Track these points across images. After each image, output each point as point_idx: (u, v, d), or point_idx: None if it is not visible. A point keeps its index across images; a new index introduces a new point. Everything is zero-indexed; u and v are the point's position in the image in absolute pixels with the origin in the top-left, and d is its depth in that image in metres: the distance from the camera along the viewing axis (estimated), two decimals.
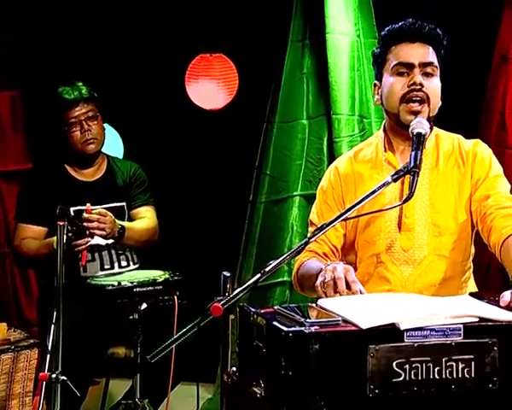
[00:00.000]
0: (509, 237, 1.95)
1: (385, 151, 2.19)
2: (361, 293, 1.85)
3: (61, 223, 2.38)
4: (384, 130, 2.23)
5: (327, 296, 1.85)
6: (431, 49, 2.12)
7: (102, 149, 3.17)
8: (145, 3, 3.74)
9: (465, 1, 3.34)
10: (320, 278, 1.89)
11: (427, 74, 2.11)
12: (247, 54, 3.64)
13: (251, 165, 3.52)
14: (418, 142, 2.02)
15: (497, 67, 3.34)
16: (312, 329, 1.52)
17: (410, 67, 2.10)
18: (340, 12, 3.33)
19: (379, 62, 2.19)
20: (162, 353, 1.75)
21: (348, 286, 1.84)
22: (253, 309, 1.70)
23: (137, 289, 2.55)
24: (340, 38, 3.34)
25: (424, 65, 2.10)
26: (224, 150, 3.78)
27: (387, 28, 2.19)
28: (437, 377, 1.53)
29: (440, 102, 2.16)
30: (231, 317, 1.75)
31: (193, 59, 3.73)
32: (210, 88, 3.72)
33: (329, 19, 3.31)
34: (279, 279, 3.46)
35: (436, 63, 2.12)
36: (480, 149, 2.16)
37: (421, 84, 2.08)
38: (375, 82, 2.22)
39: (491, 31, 3.33)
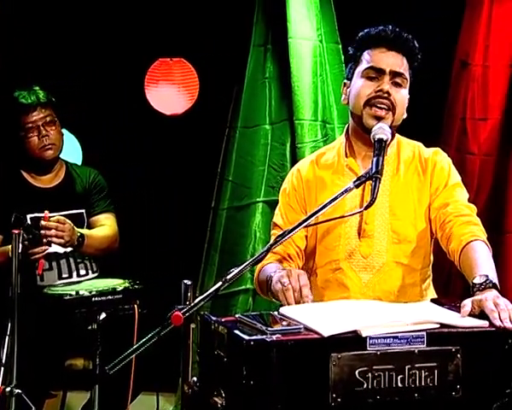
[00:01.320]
0: (467, 244, 1.97)
1: (346, 157, 2.21)
2: (308, 299, 1.84)
3: (17, 231, 2.34)
4: (346, 134, 2.25)
5: (288, 303, 1.85)
6: (405, 60, 2.14)
7: (61, 155, 3.13)
8: (104, 6, 3.70)
9: (426, 6, 3.38)
10: (279, 285, 1.88)
11: (396, 84, 2.12)
12: (207, 58, 3.63)
13: (213, 171, 3.50)
14: (380, 148, 2.03)
15: (458, 72, 3.39)
16: (274, 337, 1.52)
17: (380, 72, 2.12)
18: (303, 17, 3.34)
19: (352, 62, 2.21)
20: (121, 363, 1.72)
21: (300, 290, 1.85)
22: (214, 318, 1.70)
23: (96, 299, 2.51)
24: (303, 42, 3.35)
25: (395, 74, 2.12)
26: (186, 156, 3.75)
27: (366, 30, 2.20)
28: (400, 385, 1.53)
29: (406, 115, 2.17)
30: (192, 326, 1.74)
31: (152, 63, 3.70)
32: (170, 93, 3.69)
33: (291, 24, 3.32)
34: (242, 287, 3.44)
35: (407, 75, 2.15)
36: (440, 158, 2.19)
37: (388, 93, 2.10)
38: (345, 81, 2.24)
39: (452, 36, 3.38)
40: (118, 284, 2.62)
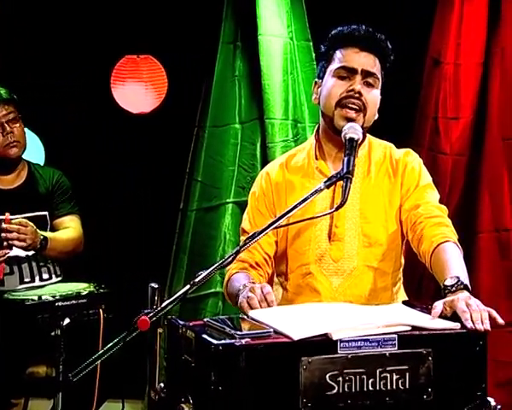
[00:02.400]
0: (438, 245, 1.99)
1: (316, 159, 2.20)
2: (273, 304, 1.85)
3: None
4: (316, 135, 2.24)
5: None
6: (377, 60, 2.15)
7: (23, 156, 3.09)
8: (69, 1, 3.67)
9: (398, 4, 3.41)
10: (242, 297, 1.89)
11: (367, 84, 2.13)
12: (176, 55, 3.62)
13: (181, 171, 3.49)
14: (351, 147, 2.03)
15: (430, 71, 3.42)
16: (243, 341, 1.52)
17: (352, 72, 2.12)
18: (273, 14, 3.34)
19: (323, 61, 2.21)
20: (86, 370, 1.71)
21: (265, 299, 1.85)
22: (181, 322, 1.69)
23: (59, 304, 2.49)
24: (273, 40, 3.35)
25: (367, 74, 2.12)
26: (153, 156, 3.74)
27: (339, 28, 2.20)
28: (371, 388, 1.54)
29: (377, 116, 2.18)
30: (159, 331, 1.73)
31: (119, 60, 3.67)
32: (137, 91, 3.67)
33: (261, 20, 3.32)
34: (211, 290, 3.44)
35: (379, 75, 2.15)
36: (411, 159, 2.20)
37: (359, 93, 2.10)
38: (316, 80, 2.23)
39: (424, 34, 3.42)
40: (82, 288, 2.60)
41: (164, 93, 3.70)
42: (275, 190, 2.22)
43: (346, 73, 2.12)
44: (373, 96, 2.13)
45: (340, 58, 2.14)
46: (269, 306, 1.84)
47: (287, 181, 2.21)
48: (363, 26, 2.16)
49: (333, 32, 2.20)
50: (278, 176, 2.23)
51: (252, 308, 1.83)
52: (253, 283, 2.00)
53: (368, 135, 2.23)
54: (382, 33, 2.19)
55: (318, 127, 2.25)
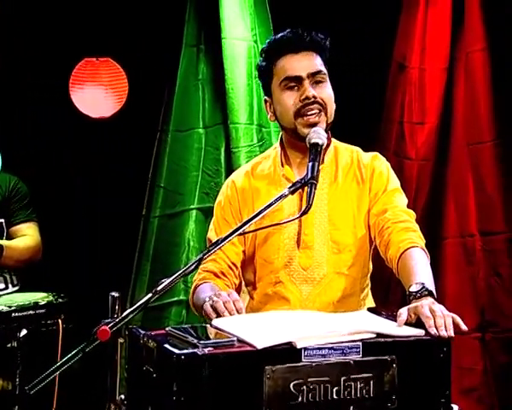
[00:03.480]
0: (405, 251, 2.01)
1: (282, 166, 2.21)
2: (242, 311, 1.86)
3: None
4: (281, 142, 2.25)
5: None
6: (315, 55, 2.15)
7: None
8: (24, 2, 3.63)
9: (363, 8, 3.44)
10: (207, 303, 1.89)
11: (317, 83, 2.14)
12: (137, 58, 3.60)
13: (143, 177, 3.47)
14: (315, 152, 2.04)
15: (395, 75, 3.47)
16: (206, 350, 1.51)
17: (298, 80, 2.12)
18: (236, 16, 3.36)
19: (265, 77, 2.20)
20: (43, 383, 1.69)
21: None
22: (143, 331, 1.68)
23: (16, 314, 2.47)
24: (237, 43, 3.37)
25: (313, 74, 2.13)
26: (114, 162, 3.72)
27: (268, 41, 2.21)
28: (335, 397, 1.55)
29: (334, 105, 2.19)
30: (120, 341, 1.71)
31: (77, 63, 3.65)
32: (97, 94, 3.65)
33: (225, 23, 3.33)
34: (175, 298, 3.43)
35: (324, 70, 2.16)
36: (379, 163, 2.22)
37: (314, 97, 2.11)
38: (266, 98, 2.23)
39: (389, 38, 3.46)
40: (40, 297, 2.58)
41: (124, 97, 3.68)
42: (241, 198, 2.22)
43: (293, 82, 2.13)
44: (326, 92, 2.15)
45: (281, 69, 2.14)
46: (237, 312, 1.84)
47: (253, 189, 2.22)
48: (290, 30, 2.16)
49: (265, 48, 2.21)
50: (244, 184, 2.23)
51: (217, 313, 1.83)
52: (219, 294, 1.99)
53: (333, 140, 2.25)
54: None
55: (281, 135, 2.26)
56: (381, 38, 3.43)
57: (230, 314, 1.83)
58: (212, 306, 1.87)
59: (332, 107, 2.16)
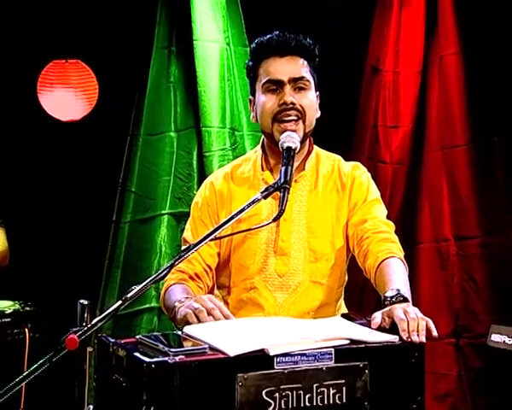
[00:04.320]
0: (383, 261, 2.03)
1: (262, 170, 2.22)
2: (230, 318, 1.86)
3: None
4: (262, 146, 2.26)
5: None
6: (302, 61, 2.16)
7: None
8: None
9: (337, 10, 3.47)
10: (189, 311, 1.87)
11: (299, 89, 2.14)
12: (107, 60, 3.58)
13: (114, 181, 3.46)
14: (288, 156, 2.05)
15: (369, 78, 3.50)
16: (177, 358, 1.51)
17: (280, 84, 2.13)
18: (208, 18, 3.36)
19: (251, 77, 2.22)
20: (9, 393, 1.67)
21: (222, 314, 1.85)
22: (112, 340, 1.67)
23: None
24: (209, 45, 3.38)
25: (295, 80, 2.13)
26: (84, 166, 3.69)
27: (256, 41, 2.21)
28: (308, 404, 1.56)
29: (319, 113, 2.21)
30: (89, 349, 1.71)
31: (46, 65, 3.62)
32: (66, 97, 3.62)
33: (196, 25, 3.34)
34: (146, 305, 3.42)
35: (308, 76, 2.16)
36: (359, 173, 2.23)
37: (292, 103, 2.11)
38: (250, 97, 2.24)
39: (363, 41, 3.49)
40: (6, 306, 2.56)
41: (94, 100, 3.66)
42: (219, 200, 2.22)
43: (274, 85, 2.14)
44: (307, 100, 2.15)
45: (264, 71, 2.15)
46: (225, 319, 1.83)
47: (232, 192, 2.22)
48: (278, 32, 2.17)
49: (252, 47, 2.23)
50: (223, 186, 2.23)
51: (200, 322, 1.82)
52: (190, 298, 1.98)
53: (315, 147, 2.26)
54: (321, 39, 2.22)
55: (263, 139, 2.27)
56: (355, 41, 3.46)
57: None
58: (195, 314, 1.84)
59: (312, 115, 2.16)
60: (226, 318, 1.84)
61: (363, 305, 3.22)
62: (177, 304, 1.95)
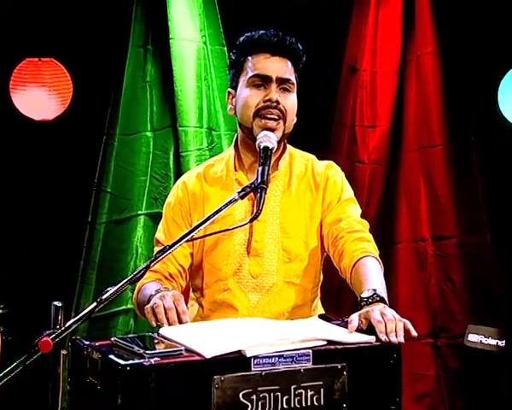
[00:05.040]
0: (359, 260, 2.03)
1: (235, 170, 2.21)
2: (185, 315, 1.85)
3: None
4: (235, 146, 2.25)
5: (158, 321, 1.84)
6: (290, 63, 2.17)
7: None
8: None
9: (315, 8, 3.48)
10: (149, 304, 1.88)
11: (284, 90, 2.15)
12: (81, 58, 3.56)
13: (89, 182, 3.43)
14: (265, 156, 2.06)
15: (346, 78, 3.51)
16: (152, 361, 1.51)
17: (267, 80, 2.14)
18: (185, 16, 3.35)
19: (235, 69, 2.21)
20: None
21: (179, 317, 1.84)
22: (86, 342, 1.66)
23: None
24: (186, 44, 3.37)
25: (282, 81, 2.14)
26: (58, 166, 3.66)
27: (247, 34, 2.21)
28: (285, 406, 1.56)
29: (296, 119, 2.22)
30: (63, 352, 1.69)
31: (19, 63, 3.59)
32: (39, 96, 3.59)
33: (173, 23, 3.33)
34: (122, 307, 3.40)
35: (293, 80, 2.17)
36: (333, 173, 2.24)
37: (277, 102, 2.12)
38: (230, 90, 2.24)
39: (341, 40, 3.50)
40: None
41: (69, 99, 3.63)
42: (191, 200, 2.21)
43: (261, 81, 2.14)
44: (291, 102, 2.16)
45: (252, 66, 2.16)
46: (178, 314, 1.82)
47: (204, 192, 2.21)
48: (272, 31, 2.18)
49: (241, 39, 2.22)
50: (195, 186, 2.23)
51: (157, 319, 1.82)
52: (166, 289, 1.99)
53: (289, 146, 2.26)
54: (299, 37, 2.23)
55: (237, 138, 2.26)
56: (333, 40, 3.46)
57: (169, 325, 1.82)
58: (152, 310, 1.85)
59: (292, 118, 2.18)
60: (180, 322, 1.83)
61: (341, 305, 3.23)
62: (153, 293, 1.94)
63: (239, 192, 1.96)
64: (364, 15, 3.42)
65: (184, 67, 3.37)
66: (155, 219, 3.39)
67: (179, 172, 3.35)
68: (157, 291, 1.95)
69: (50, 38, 3.56)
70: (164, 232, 2.21)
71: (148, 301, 1.94)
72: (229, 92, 2.24)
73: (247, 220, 1.99)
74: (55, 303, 1.70)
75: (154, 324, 1.85)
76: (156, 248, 2.20)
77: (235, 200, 1.95)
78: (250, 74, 2.15)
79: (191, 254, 2.20)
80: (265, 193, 1.98)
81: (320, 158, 2.30)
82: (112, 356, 1.55)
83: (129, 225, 3.45)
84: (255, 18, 3.22)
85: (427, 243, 3.42)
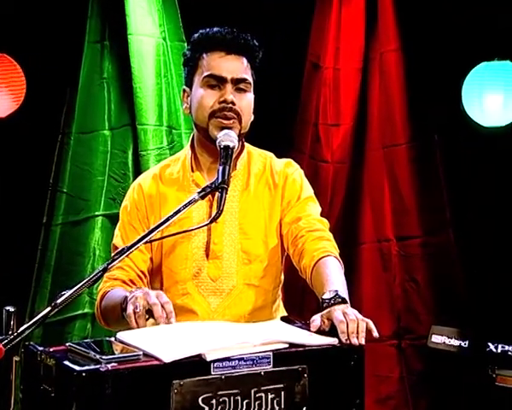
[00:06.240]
0: (319, 260, 2.04)
1: (192, 171, 2.20)
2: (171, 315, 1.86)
3: None
4: (191, 146, 2.25)
5: (139, 327, 1.84)
6: (246, 62, 2.16)
7: None
8: None
9: (277, 7, 3.49)
10: (131, 307, 1.86)
11: (239, 90, 2.15)
12: (35, 54, 3.52)
13: (44, 182, 3.41)
14: (226, 155, 2.05)
15: (309, 75, 3.53)
16: (109, 366, 1.50)
17: (221, 81, 2.13)
18: (143, 11, 3.35)
19: (189, 67, 2.20)
20: None
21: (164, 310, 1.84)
22: (40, 348, 1.64)
23: None
24: (144, 39, 3.36)
25: (237, 81, 2.14)
26: (11, 165, 3.62)
27: (201, 31, 2.20)
28: None
29: (253, 117, 2.22)
30: (15, 359, 1.68)
31: None
32: None
33: (131, 18, 3.32)
34: (79, 312, 3.39)
35: (250, 78, 2.17)
36: (292, 171, 2.24)
37: (232, 102, 2.11)
38: (185, 88, 2.23)
39: (304, 37, 3.52)
40: None
41: (22, 96, 3.59)
42: (148, 203, 2.20)
43: (216, 81, 2.13)
44: (246, 102, 2.16)
45: (206, 65, 2.15)
46: (168, 319, 1.83)
47: (161, 194, 2.20)
48: (227, 28, 2.17)
49: (196, 36, 2.20)
50: (151, 188, 2.21)
51: (138, 325, 1.82)
52: (140, 288, 1.97)
53: (247, 145, 2.26)
54: (260, 35, 2.23)
55: (193, 137, 2.25)
56: (296, 37, 3.48)
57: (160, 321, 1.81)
58: (133, 314, 1.83)
59: (248, 118, 2.17)
60: (168, 315, 1.83)
61: (305, 307, 3.25)
62: (127, 294, 1.91)
63: (199, 192, 1.95)
64: (327, 12, 3.45)
65: (143, 64, 3.37)
66: (114, 220, 3.37)
67: (138, 172, 3.33)
68: (132, 291, 1.92)
69: (2, 33, 3.53)
70: (121, 237, 2.19)
71: (122, 306, 1.92)
72: (184, 90, 2.24)
73: (208, 221, 1.99)
74: (7, 308, 1.69)
75: (136, 326, 1.84)
76: (115, 252, 2.18)
77: (195, 200, 1.95)
78: (205, 74, 2.14)
79: (151, 259, 2.19)
80: (226, 193, 1.98)
81: (284, 157, 2.31)
82: (67, 362, 1.54)
83: (86, 226, 3.43)
84: (216, 13, 3.22)
85: (391, 243, 3.45)
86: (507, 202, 3.41)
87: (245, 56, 2.16)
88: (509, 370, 2.86)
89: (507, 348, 2.88)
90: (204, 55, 2.15)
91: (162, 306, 1.85)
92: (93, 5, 3.37)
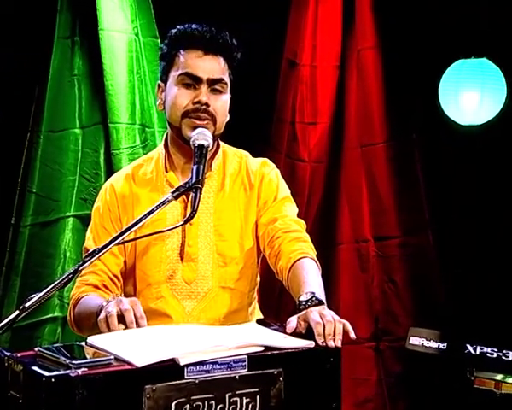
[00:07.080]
0: (296, 261, 2.04)
1: (166, 171, 2.20)
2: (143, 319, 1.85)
3: None
4: (165, 145, 2.24)
5: (110, 331, 1.83)
6: (223, 62, 2.16)
7: None
8: None
9: (253, 3, 3.49)
10: (103, 313, 1.86)
11: (215, 91, 2.14)
12: (2, 50, 3.50)
13: (12, 181, 3.38)
14: (200, 155, 2.05)
15: (286, 73, 3.54)
16: (79, 371, 1.49)
17: (197, 80, 2.12)
18: (115, 6, 3.33)
19: (166, 62, 2.19)
20: None
21: (136, 321, 1.83)
22: (7, 353, 1.63)
23: None
24: (116, 35, 3.35)
25: (213, 82, 2.13)
26: None
27: (179, 27, 2.19)
28: None
29: (228, 117, 2.22)
30: None
31: None
32: None
33: (102, 13, 3.30)
34: (49, 315, 3.37)
35: (226, 79, 2.16)
36: (268, 170, 2.24)
37: (206, 104, 2.11)
38: (160, 83, 2.22)
39: (281, 34, 3.52)
40: None
41: None
42: (121, 204, 2.19)
43: (191, 80, 2.13)
44: (221, 103, 2.15)
45: (183, 63, 2.14)
46: (136, 319, 1.82)
47: (134, 195, 2.19)
48: (206, 26, 2.16)
49: (173, 31, 2.19)
50: (124, 189, 2.20)
51: (110, 329, 1.81)
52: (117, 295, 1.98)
53: (222, 144, 2.25)
54: (235, 32, 2.23)
55: (166, 136, 2.25)
56: (272, 34, 3.49)
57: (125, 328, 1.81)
58: (106, 321, 1.82)
59: (223, 119, 2.17)
60: (139, 320, 1.83)
61: (282, 309, 3.25)
62: (104, 303, 1.90)
63: (173, 192, 1.95)
64: (304, 9, 3.46)
65: (115, 60, 3.35)
66: (85, 221, 3.36)
67: (110, 172, 3.32)
68: (109, 301, 1.92)
69: None
70: (93, 240, 2.18)
71: (96, 313, 1.91)
72: (159, 85, 2.23)
73: (182, 222, 1.99)
74: None
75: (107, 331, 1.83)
76: (86, 255, 2.17)
77: (169, 200, 1.94)
78: (180, 72, 2.14)
79: (124, 262, 2.18)
80: (200, 193, 1.97)
81: (260, 156, 2.31)
82: (35, 367, 1.52)
83: (56, 227, 3.42)
84: (190, 9, 3.22)
85: (369, 243, 3.47)
86: (485, 200, 3.45)
87: (222, 56, 2.16)
88: (487, 372, 2.89)
89: (485, 349, 2.91)
90: (181, 52, 2.15)
91: (135, 317, 1.84)
92: (63, 0, 3.35)
